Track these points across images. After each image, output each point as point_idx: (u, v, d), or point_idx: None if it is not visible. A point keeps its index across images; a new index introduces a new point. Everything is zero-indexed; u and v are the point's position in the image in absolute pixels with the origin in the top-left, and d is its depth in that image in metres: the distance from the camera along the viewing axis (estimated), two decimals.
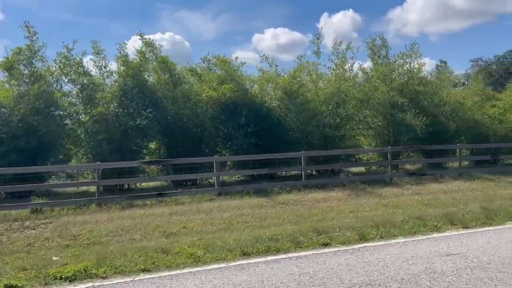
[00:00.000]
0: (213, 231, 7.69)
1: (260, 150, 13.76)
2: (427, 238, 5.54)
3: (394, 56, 16.57)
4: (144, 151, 14.33)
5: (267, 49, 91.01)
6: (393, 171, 14.03)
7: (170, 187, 13.36)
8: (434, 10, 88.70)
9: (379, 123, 17.26)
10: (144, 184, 14.28)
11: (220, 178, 11.73)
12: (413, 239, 5.53)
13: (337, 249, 5.15)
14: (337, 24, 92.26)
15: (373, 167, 16.76)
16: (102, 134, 13.06)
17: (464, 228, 5.89)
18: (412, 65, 16.83)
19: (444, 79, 18.16)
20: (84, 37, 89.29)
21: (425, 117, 15.17)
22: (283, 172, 14.67)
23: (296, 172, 15.01)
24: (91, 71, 13.75)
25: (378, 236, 5.69)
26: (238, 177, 14.60)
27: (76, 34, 66.58)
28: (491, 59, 60.59)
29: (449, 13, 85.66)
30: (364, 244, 5.37)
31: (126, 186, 13.92)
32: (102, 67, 13.92)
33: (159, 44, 14.06)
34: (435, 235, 5.70)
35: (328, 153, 13.39)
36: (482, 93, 21.22)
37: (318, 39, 15.86)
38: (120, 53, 13.73)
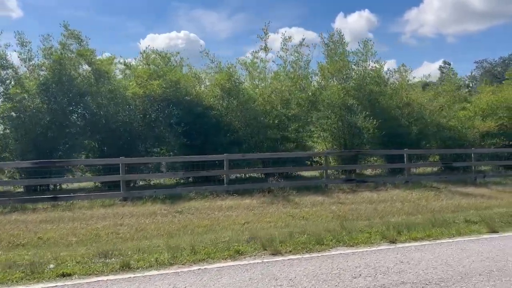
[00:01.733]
0: (67, 244, 6.78)
1: (195, 152, 12.87)
2: (182, 271, 4.43)
3: (346, 52, 15.43)
4: (69, 150, 13.41)
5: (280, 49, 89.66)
6: (331, 177, 12.98)
7: (98, 189, 12.65)
8: (451, 11, 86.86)
9: (334, 125, 16.16)
10: (75, 185, 13.50)
11: (131, 182, 10.80)
12: (167, 271, 4.46)
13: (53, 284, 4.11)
14: (352, 24, 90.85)
15: (329, 171, 15.70)
16: (18, 131, 12.26)
17: (272, 254, 4.78)
18: (367, 63, 15.72)
19: (403, 80, 16.94)
20: (101, 35, 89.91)
21: (375, 120, 14.09)
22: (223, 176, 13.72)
23: (239, 175, 14.09)
24: (13, 63, 12.95)
25: (144, 266, 4.66)
26: (177, 180, 13.66)
27: (92, 32, 66.74)
28: (496, 61, 58.90)
29: (467, 14, 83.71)
30: (99, 278, 4.30)
31: (52, 186, 13.14)
32: (27, 59, 13.10)
33: (86, 37, 13.21)
34: (211, 266, 4.54)
35: (254, 156, 12.39)
36: (455, 95, 20.09)
37: (266, 34, 14.86)
38: (44, 45, 12.91)
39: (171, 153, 13.12)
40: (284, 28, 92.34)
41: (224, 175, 11.32)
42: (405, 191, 11.64)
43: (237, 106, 14.01)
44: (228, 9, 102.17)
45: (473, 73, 57.19)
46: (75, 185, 13.57)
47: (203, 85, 14.49)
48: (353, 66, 15.80)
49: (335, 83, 15.54)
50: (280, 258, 4.61)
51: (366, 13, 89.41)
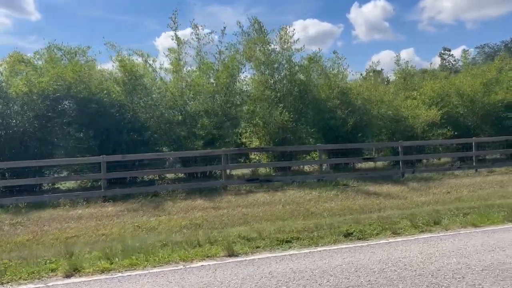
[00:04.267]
0: None
1: (94, 153, 11.86)
2: None
3: (266, 40, 14.18)
4: None
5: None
6: (234, 178, 11.85)
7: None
8: None
9: (264, 119, 14.90)
10: None
11: None
12: None
13: None
14: (367, 14, 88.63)
15: (260, 169, 14.57)
16: None
17: None
18: (291, 51, 14.50)
19: (338, 69, 15.62)
20: (118, 34, 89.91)
21: (287, 113, 12.92)
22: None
23: (152, 176, 13.06)
24: None
25: None
26: (87, 183, 12.64)
27: (110, 31, 66.13)
28: (498, 45, 56.92)
29: None
30: None
31: None
32: None
33: None
34: None
35: (135, 157, 11.30)
36: (405, 83, 18.79)
37: (175, 24, 13.68)
38: None
39: (73, 154, 12.12)
40: (299, 20, 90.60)
41: (102, 179, 10.22)
42: (305, 191, 10.43)
43: (144, 103, 12.91)
44: (243, 4, 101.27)
45: (476, 58, 55.08)
46: None
47: (108, 81, 13.32)
48: (278, 56, 14.58)
49: (258, 75, 14.36)
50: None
51: (381, 2, 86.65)
